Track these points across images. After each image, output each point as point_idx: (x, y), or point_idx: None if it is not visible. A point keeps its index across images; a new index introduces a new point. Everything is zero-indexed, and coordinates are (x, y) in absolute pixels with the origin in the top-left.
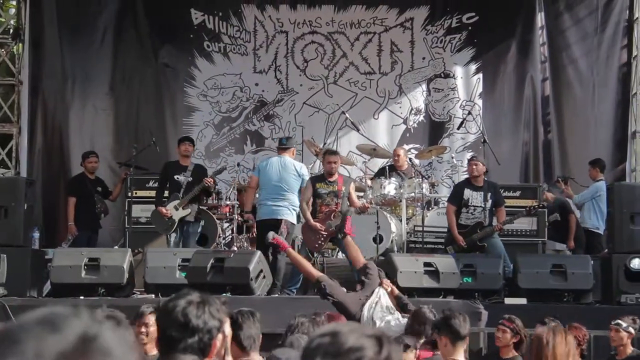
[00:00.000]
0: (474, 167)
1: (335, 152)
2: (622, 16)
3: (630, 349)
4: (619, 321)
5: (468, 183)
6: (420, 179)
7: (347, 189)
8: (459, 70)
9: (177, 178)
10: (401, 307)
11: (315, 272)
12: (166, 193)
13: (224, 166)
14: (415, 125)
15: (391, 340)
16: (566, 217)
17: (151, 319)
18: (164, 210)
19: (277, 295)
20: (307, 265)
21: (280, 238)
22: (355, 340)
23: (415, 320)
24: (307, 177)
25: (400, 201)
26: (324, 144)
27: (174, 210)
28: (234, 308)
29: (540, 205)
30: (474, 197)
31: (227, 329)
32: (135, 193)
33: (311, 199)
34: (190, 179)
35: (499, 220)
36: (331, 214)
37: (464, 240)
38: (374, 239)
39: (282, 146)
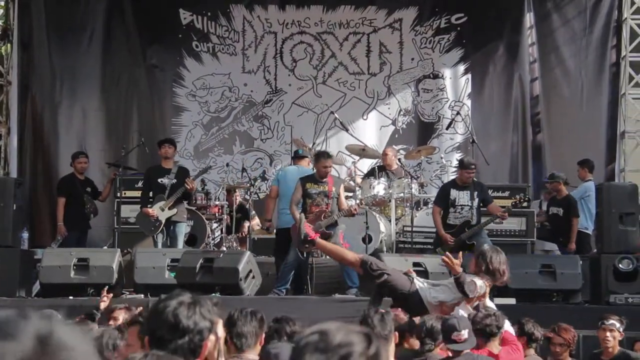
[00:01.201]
0: (470, 174)
1: (330, 156)
2: (611, 16)
3: (617, 349)
4: (613, 321)
5: (454, 183)
6: (410, 179)
7: (337, 190)
8: (447, 71)
9: (161, 181)
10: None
11: (355, 256)
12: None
13: (209, 165)
14: (404, 126)
15: (380, 338)
16: (569, 217)
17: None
18: (150, 211)
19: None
20: (343, 252)
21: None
22: (343, 337)
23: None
24: None
25: (390, 201)
26: (313, 144)
27: (160, 211)
28: (223, 308)
29: (526, 199)
30: (460, 197)
31: (220, 330)
32: (124, 193)
33: (301, 200)
34: (174, 181)
35: (497, 213)
36: (321, 215)
37: (452, 239)
38: (363, 239)
39: (299, 156)
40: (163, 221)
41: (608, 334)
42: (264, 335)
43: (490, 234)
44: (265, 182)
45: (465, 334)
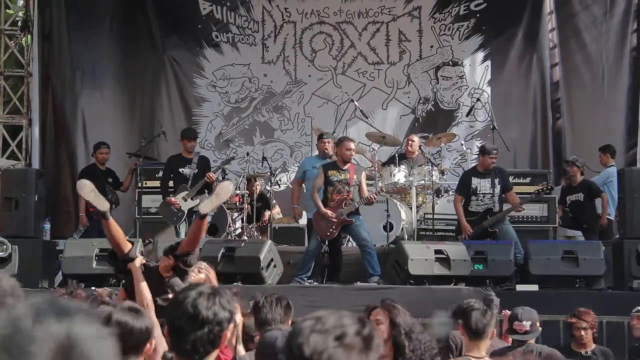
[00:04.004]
0: (493, 160)
1: (352, 140)
2: (631, 0)
3: None
4: None
5: (475, 171)
6: (430, 167)
7: (359, 178)
8: (467, 58)
9: (183, 171)
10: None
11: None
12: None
13: (232, 156)
14: (424, 114)
15: (372, 322)
16: (592, 199)
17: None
18: (173, 199)
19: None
20: (124, 241)
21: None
22: (336, 320)
23: None
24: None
25: (410, 189)
26: (334, 132)
27: (183, 202)
28: (245, 298)
29: (549, 187)
30: (482, 185)
31: (239, 317)
32: (145, 183)
33: (322, 187)
34: (195, 170)
35: (513, 203)
36: (342, 202)
37: (472, 228)
38: (385, 227)
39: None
40: (186, 211)
41: (635, 321)
42: (290, 321)
43: (512, 221)
44: (286, 172)
45: (526, 325)
